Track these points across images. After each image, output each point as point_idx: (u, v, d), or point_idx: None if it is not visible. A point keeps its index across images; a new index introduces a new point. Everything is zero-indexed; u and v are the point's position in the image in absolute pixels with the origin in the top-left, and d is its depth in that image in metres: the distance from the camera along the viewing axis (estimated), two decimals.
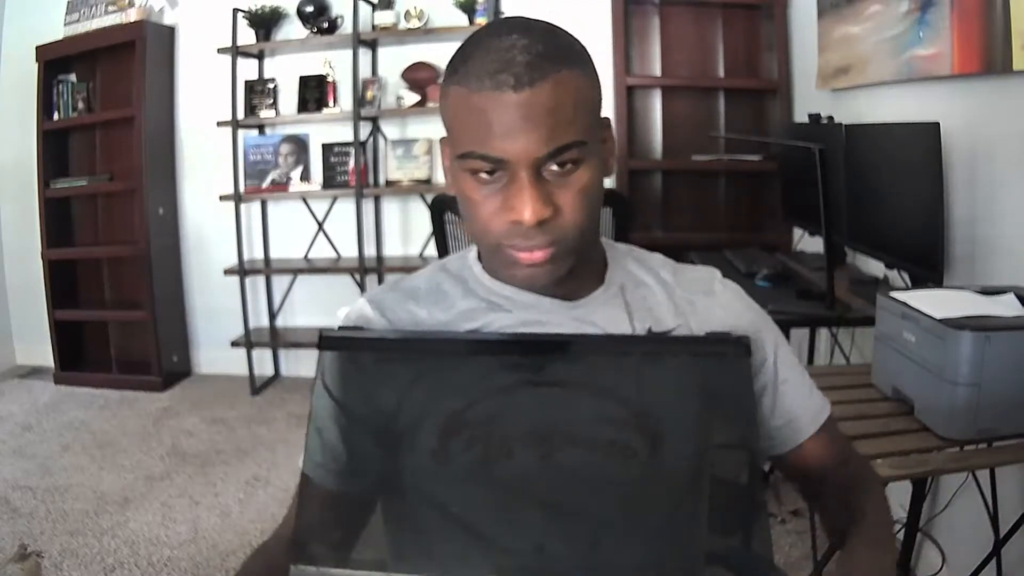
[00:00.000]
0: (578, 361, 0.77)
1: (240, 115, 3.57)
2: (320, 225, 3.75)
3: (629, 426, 0.76)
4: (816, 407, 0.88)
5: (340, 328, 0.79)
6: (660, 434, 0.77)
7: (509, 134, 0.69)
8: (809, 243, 2.87)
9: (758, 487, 0.86)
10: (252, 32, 3.55)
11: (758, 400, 0.85)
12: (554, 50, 0.71)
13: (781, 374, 0.86)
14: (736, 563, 0.80)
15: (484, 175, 0.72)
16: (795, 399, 0.87)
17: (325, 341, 0.77)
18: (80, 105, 3.72)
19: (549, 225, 0.72)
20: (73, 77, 3.74)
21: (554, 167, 0.71)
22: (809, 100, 2.97)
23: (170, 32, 3.73)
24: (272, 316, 3.87)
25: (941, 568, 1.87)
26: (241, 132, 3.63)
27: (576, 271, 0.78)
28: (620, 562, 0.76)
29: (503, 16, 3.34)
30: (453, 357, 0.78)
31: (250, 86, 3.66)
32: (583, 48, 0.75)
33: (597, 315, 0.82)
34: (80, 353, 3.98)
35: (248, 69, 3.66)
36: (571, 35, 0.75)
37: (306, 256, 3.80)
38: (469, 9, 3.34)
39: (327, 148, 3.63)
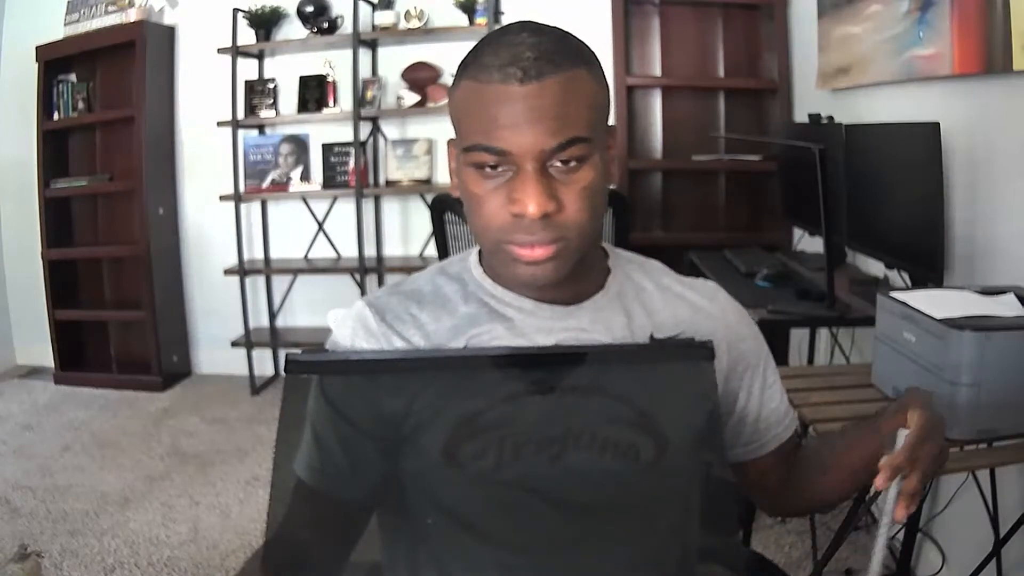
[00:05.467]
0: (553, 371, 0.77)
1: (240, 115, 3.56)
2: (320, 225, 3.75)
3: (621, 429, 0.77)
4: (789, 421, 0.92)
5: (305, 351, 0.76)
6: (646, 436, 0.78)
7: (515, 126, 0.69)
8: (809, 243, 2.87)
9: (730, 479, 0.90)
10: (252, 32, 3.55)
11: (743, 404, 0.89)
12: (564, 49, 0.72)
13: (768, 385, 0.90)
14: (730, 559, 0.82)
15: (489, 169, 0.72)
16: (778, 409, 0.91)
17: (291, 365, 0.75)
18: (80, 105, 3.71)
19: (552, 221, 0.71)
20: (73, 77, 3.73)
21: (559, 164, 0.71)
22: (809, 100, 2.97)
23: (170, 32, 3.73)
24: (272, 316, 3.87)
25: (941, 568, 1.87)
26: (241, 132, 3.63)
27: (577, 275, 0.78)
28: (620, 559, 0.76)
29: (504, 16, 3.35)
30: (421, 375, 0.77)
31: (250, 86, 3.66)
32: (593, 53, 0.76)
33: (595, 321, 0.81)
34: (80, 353, 3.97)
35: (248, 69, 3.66)
36: (582, 40, 0.76)
37: (306, 256, 3.80)
38: (469, 9, 3.33)
39: (327, 148, 3.63)
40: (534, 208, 0.70)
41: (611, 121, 0.79)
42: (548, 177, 0.71)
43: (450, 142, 0.80)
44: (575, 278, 0.78)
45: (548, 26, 0.74)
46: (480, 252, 0.86)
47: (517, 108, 0.69)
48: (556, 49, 0.71)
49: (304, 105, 3.60)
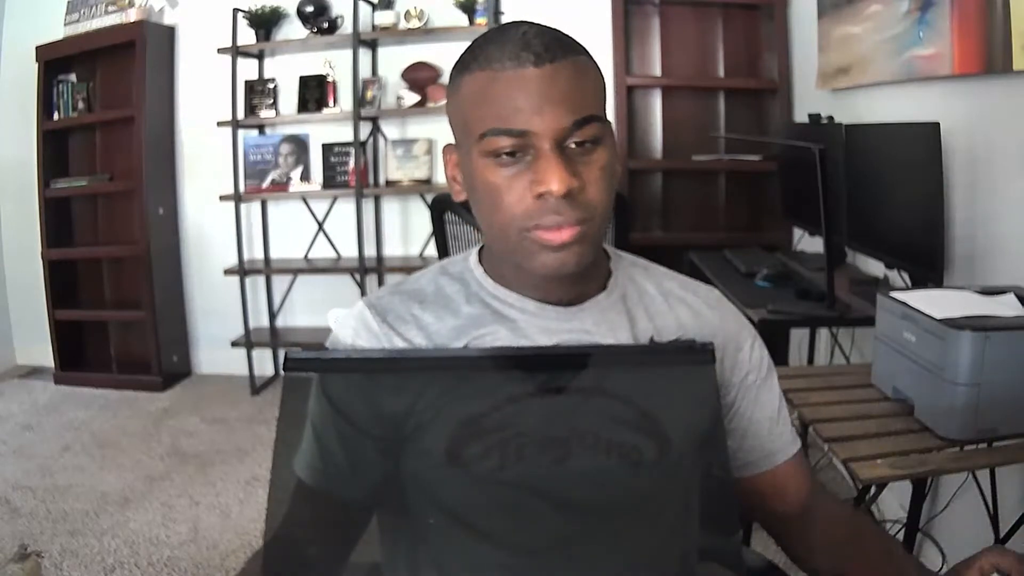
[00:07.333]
0: (554, 373, 0.77)
1: (240, 115, 3.56)
2: (320, 225, 3.75)
3: (623, 430, 0.77)
4: (791, 435, 0.90)
5: (304, 350, 0.76)
6: (648, 437, 0.78)
7: (533, 108, 0.71)
8: (809, 243, 2.87)
9: (730, 479, 0.88)
10: (252, 32, 3.55)
11: (738, 412, 0.88)
12: (566, 38, 0.75)
13: (762, 403, 0.89)
14: (730, 559, 0.82)
15: (506, 156, 0.72)
16: (777, 420, 0.89)
17: (290, 363, 0.74)
18: (80, 105, 3.71)
19: (576, 200, 0.72)
20: (73, 77, 3.73)
21: (575, 145, 0.72)
22: (809, 100, 2.97)
23: (170, 32, 3.73)
24: (272, 316, 3.87)
25: (941, 568, 1.87)
26: (241, 132, 3.63)
27: (582, 273, 0.78)
28: (622, 559, 0.76)
29: (503, 16, 3.35)
30: (422, 375, 0.77)
31: (250, 86, 3.66)
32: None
33: (599, 323, 0.81)
34: (80, 353, 3.97)
35: (248, 69, 3.66)
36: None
37: (306, 256, 3.80)
38: (469, 9, 3.34)
39: (327, 148, 3.63)
40: (558, 185, 0.70)
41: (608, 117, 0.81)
42: (568, 157, 0.72)
43: (447, 147, 0.81)
44: (579, 277, 0.78)
45: (542, 24, 0.76)
46: (480, 252, 0.86)
47: (533, 90, 0.71)
48: (560, 37, 0.74)
49: (304, 105, 3.60)
